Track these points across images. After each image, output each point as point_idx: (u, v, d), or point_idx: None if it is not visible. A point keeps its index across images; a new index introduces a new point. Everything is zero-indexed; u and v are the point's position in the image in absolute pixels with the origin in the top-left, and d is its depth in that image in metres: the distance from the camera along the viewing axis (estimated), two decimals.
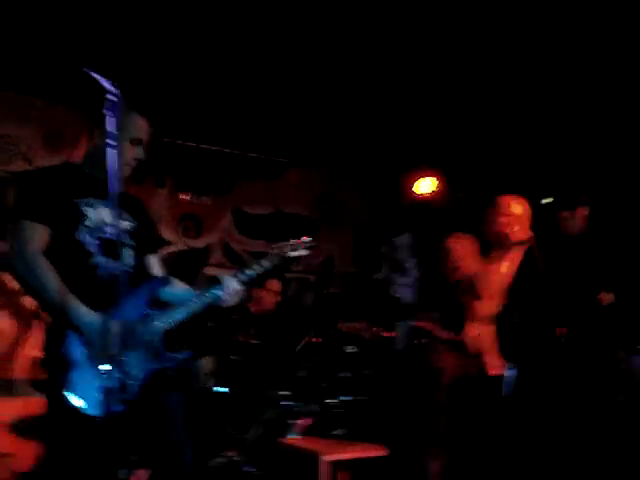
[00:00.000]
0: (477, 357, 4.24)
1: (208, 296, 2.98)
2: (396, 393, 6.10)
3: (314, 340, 5.52)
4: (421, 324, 4.40)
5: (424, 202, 7.34)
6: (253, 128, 6.41)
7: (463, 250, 4.52)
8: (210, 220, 6.76)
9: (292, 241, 3.20)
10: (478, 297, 4.16)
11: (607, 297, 4.79)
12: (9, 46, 4.85)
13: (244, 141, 6.67)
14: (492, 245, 4.25)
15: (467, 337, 4.21)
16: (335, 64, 5.28)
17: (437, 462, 4.15)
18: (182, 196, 6.49)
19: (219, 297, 2.99)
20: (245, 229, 6.98)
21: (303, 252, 3.22)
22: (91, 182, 2.84)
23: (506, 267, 4.16)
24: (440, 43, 4.92)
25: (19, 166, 5.63)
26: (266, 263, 3.11)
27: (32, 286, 2.74)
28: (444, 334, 4.28)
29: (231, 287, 2.99)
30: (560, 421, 5.42)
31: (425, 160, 7.04)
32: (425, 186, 7.21)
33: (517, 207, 4.25)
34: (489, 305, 4.27)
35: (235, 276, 3.03)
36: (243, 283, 3.03)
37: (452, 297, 4.34)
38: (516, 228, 4.19)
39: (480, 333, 4.27)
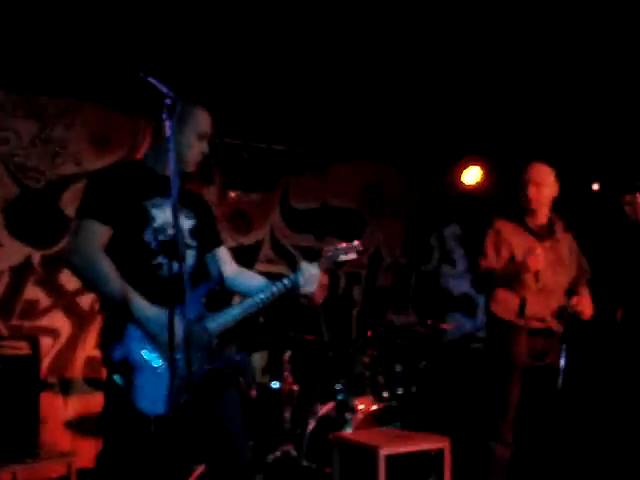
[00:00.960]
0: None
1: (286, 282, 3.01)
2: (453, 383, 6.09)
3: (368, 334, 5.51)
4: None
5: (471, 192, 7.29)
6: (298, 123, 6.41)
7: None
8: (259, 216, 6.78)
9: (343, 245, 3.22)
10: None
11: None
12: (58, 49, 4.91)
13: (290, 136, 6.68)
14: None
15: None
16: (380, 54, 5.25)
17: (504, 447, 4.14)
18: (231, 194, 6.52)
19: (298, 280, 3.02)
20: (293, 224, 6.99)
21: (353, 256, 3.24)
22: (159, 181, 2.86)
23: None
24: (481, 28, 4.86)
25: (70, 169, 5.70)
26: (317, 265, 3.13)
27: (91, 282, 2.78)
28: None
29: (310, 270, 3.03)
30: (621, 408, 5.37)
31: (471, 149, 6.99)
32: (471, 176, 7.17)
33: (547, 174, 4.37)
34: None
35: (311, 263, 3.07)
36: (321, 268, 3.07)
37: None
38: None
39: None
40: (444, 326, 6.53)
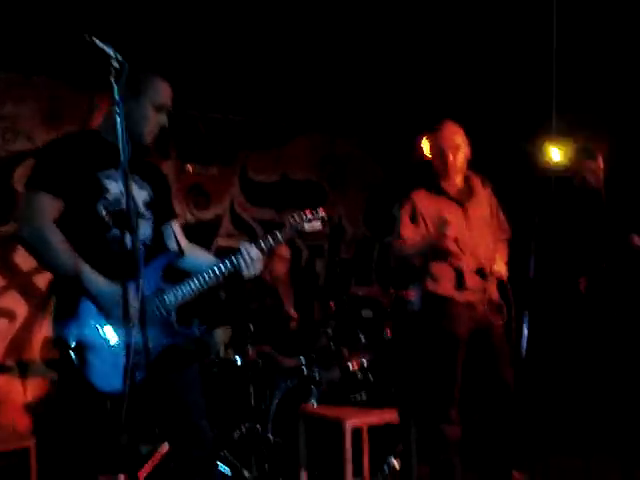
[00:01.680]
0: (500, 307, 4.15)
1: (229, 264, 2.92)
2: (413, 357, 6.07)
3: (331, 305, 5.46)
4: None
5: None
6: (257, 94, 6.30)
7: None
8: (217, 190, 6.68)
9: (307, 214, 3.13)
10: None
11: (639, 240, 4.73)
12: (5, 23, 4.75)
13: (248, 108, 6.56)
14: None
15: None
16: (341, 26, 5.18)
17: (453, 427, 4.05)
18: (188, 167, 6.40)
19: (239, 265, 2.92)
20: (253, 198, 6.90)
21: (317, 225, 3.16)
22: (113, 151, 2.76)
23: None
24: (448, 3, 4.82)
25: (21, 145, 5.55)
26: (280, 236, 3.04)
27: (42, 256, 2.68)
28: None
29: (251, 254, 2.93)
30: (582, 379, 5.38)
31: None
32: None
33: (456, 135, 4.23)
34: None
35: (253, 244, 2.97)
36: (262, 251, 2.96)
37: None
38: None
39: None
40: (408, 294, 6.50)
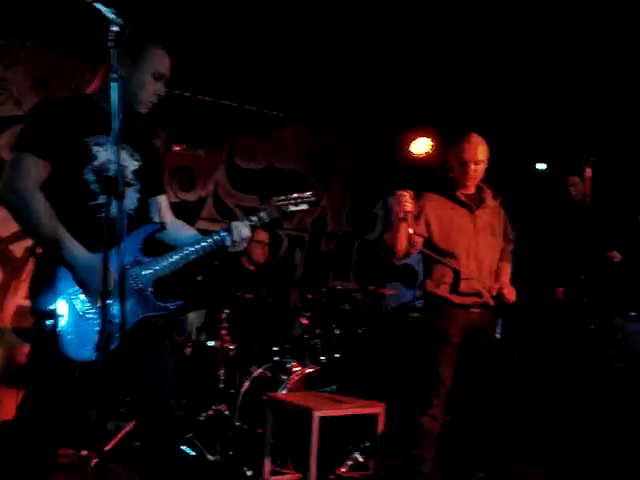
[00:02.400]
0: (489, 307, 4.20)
1: (215, 238, 2.89)
2: (390, 352, 6.08)
3: (308, 297, 5.46)
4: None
5: (420, 163, 7.26)
6: (250, 80, 6.28)
7: None
8: (203, 173, 6.65)
9: (294, 195, 3.11)
10: None
11: (617, 255, 4.79)
12: None
13: (240, 93, 6.54)
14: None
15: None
16: (333, 17, 5.17)
17: (433, 422, 4.10)
18: (175, 147, 6.36)
19: (226, 240, 2.90)
20: (238, 183, 6.87)
21: (303, 207, 3.14)
22: (105, 118, 2.73)
23: None
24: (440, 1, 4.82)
25: (9, 110, 5.49)
26: (265, 215, 3.02)
27: (23, 219, 2.64)
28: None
29: (240, 231, 2.91)
30: (556, 385, 5.43)
31: (422, 120, 6.95)
32: (420, 146, 7.13)
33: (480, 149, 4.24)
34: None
35: (243, 222, 2.95)
36: (250, 228, 2.95)
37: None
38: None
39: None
40: (386, 291, 6.52)
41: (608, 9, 4.75)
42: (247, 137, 6.89)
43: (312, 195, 3.14)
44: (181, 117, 6.32)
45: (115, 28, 2.22)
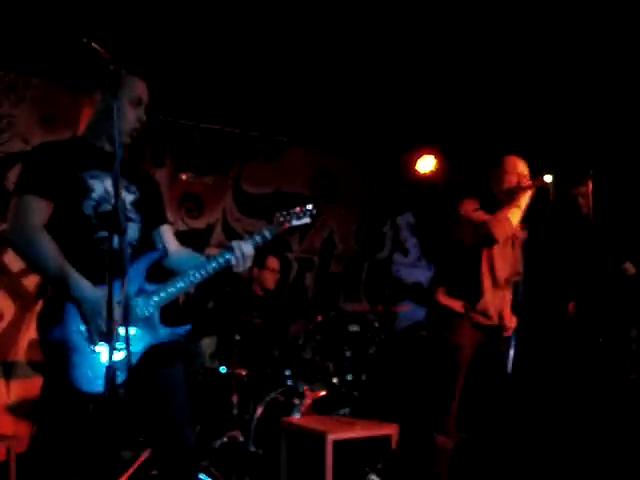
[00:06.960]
0: (499, 327, 4.19)
1: (219, 260, 2.92)
2: (403, 371, 6.08)
3: (319, 319, 5.47)
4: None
5: (426, 181, 7.30)
6: (253, 106, 6.34)
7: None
8: (211, 200, 6.69)
9: (296, 209, 3.15)
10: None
11: (631, 267, 4.79)
12: (7, 23, 4.77)
13: (244, 120, 6.60)
14: (501, 204, 4.21)
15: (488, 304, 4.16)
16: (335, 42, 5.22)
17: (447, 439, 4.11)
18: (182, 176, 6.42)
19: (230, 261, 2.93)
20: (245, 209, 6.91)
21: (306, 220, 3.18)
22: (98, 154, 2.78)
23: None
24: (442, 21, 4.86)
25: (17, 146, 5.56)
26: (267, 233, 3.05)
27: (31, 259, 2.69)
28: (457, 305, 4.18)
29: (243, 250, 2.94)
30: (569, 400, 5.40)
31: (426, 139, 6.99)
32: (425, 165, 7.16)
33: (524, 166, 4.26)
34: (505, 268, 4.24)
35: (245, 241, 2.98)
36: (254, 248, 2.98)
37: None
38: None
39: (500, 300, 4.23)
40: (398, 309, 6.52)
41: (607, 22, 4.77)
42: (253, 163, 6.94)
43: (314, 208, 3.18)
44: (187, 146, 6.38)
45: (111, 67, 2.28)
